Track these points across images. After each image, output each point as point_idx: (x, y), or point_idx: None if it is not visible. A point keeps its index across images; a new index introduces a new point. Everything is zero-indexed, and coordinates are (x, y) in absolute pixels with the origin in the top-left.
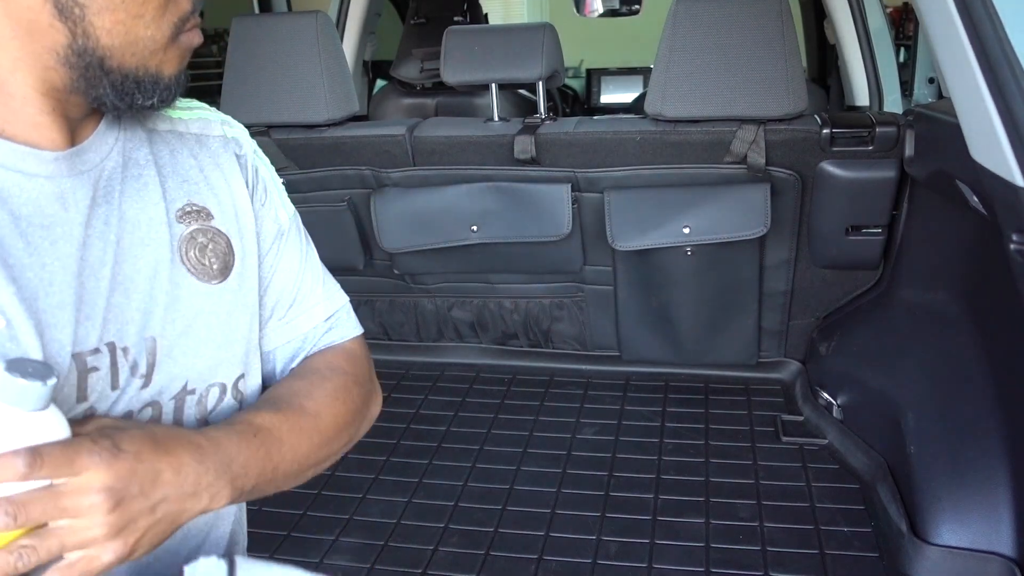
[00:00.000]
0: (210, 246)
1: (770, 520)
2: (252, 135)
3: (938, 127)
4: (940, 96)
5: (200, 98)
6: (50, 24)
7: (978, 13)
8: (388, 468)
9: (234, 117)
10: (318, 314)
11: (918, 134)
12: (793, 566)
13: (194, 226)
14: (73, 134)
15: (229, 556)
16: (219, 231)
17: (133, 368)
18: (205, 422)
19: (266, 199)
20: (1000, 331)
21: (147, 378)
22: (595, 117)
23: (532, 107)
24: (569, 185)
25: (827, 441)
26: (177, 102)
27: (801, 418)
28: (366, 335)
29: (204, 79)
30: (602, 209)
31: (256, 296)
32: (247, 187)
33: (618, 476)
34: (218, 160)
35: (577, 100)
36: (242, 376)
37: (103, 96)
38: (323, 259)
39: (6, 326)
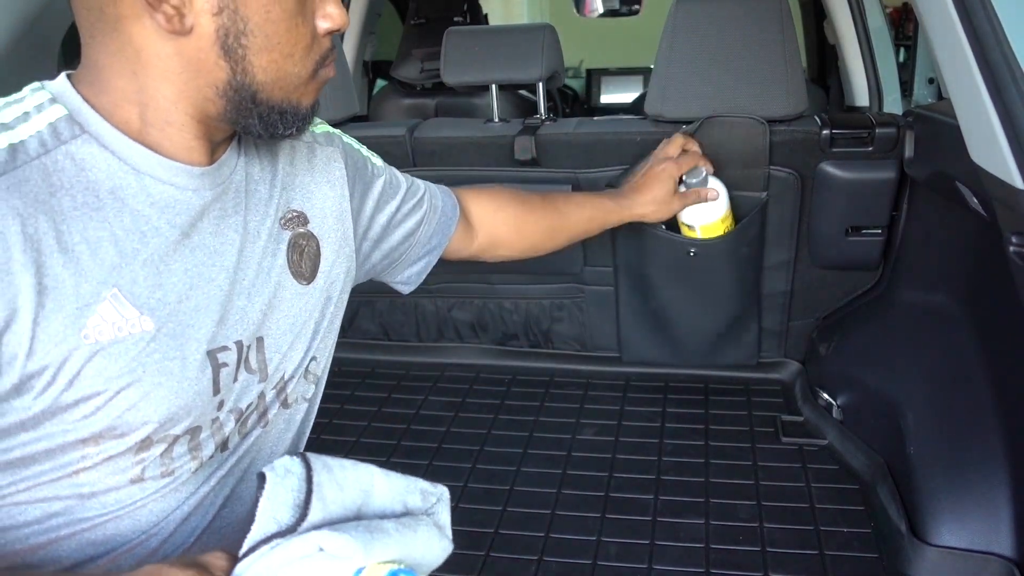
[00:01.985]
0: (306, 250)
1: (770, 521)
2: None
3: (938, 128)
4: (940, 97)
5: None
6: (215, 63)
7: (977, 15)
8: (388, 468)
9: None
10: (436, 193)
11: (918, 135)
12: (793, 567)
13: (295, 231)
14: (212, 154)
15: (303, 455)
16: (312, 234)
17: (246, 364)
18: (301, 398)
19: (369, 167)
20: (1000, 332)
21: (262, 372)
22: (595, 118)
23: (532, 108)
24: (570, 187)
25: (827, 441)
26: None
27: (801, 418)
28: (366, 335)
29: None
30: None
31: (339, 288)
32: (346, 177)
33: (618, 477)
34: (314, 164)
35: (577, 100)
36: (314, 359)
37: (250, 125)
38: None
39: (155, 328)
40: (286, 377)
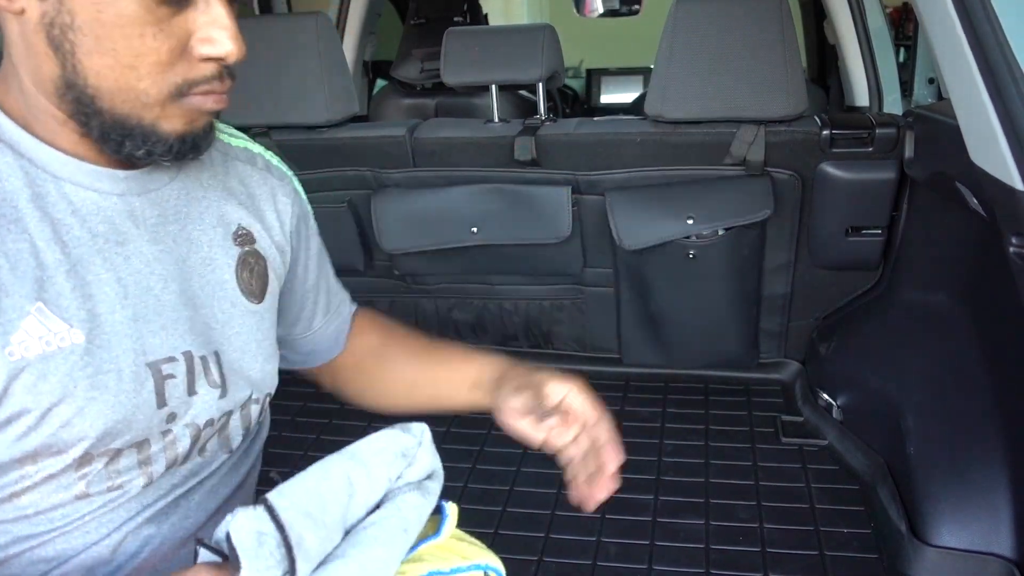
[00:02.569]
0: (255, 269)
1: (770, 521)
2: (252, 136)
3: (938, 129)
4: (940, 97)
5: None
6: (45, 52)
7: (977, 15)
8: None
9: (234, 118)
10: (345, 297)
11: (918, 135)
12: (793, 567)
13: (245, 248)
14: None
15: (268, 506)
16: (260, 254)
17: (207, 376)
18: (249, 433)
19: (308, 218)
20: (1000, 333)
21: (223, 388)
22: (595, 118)
23: (532, 108)
24: (569, 188)
25: (827, 442)
26: (221, 127)
27: (801, 419)
28: None
29: None
30: (602, 211)
31: (272, 312)
32: (293, 212)
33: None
34: (261, 188)
35: (577, 100)
36: (270, 381)
37: (95, 134)
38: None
39: (85, 340)
40: (246, 397)
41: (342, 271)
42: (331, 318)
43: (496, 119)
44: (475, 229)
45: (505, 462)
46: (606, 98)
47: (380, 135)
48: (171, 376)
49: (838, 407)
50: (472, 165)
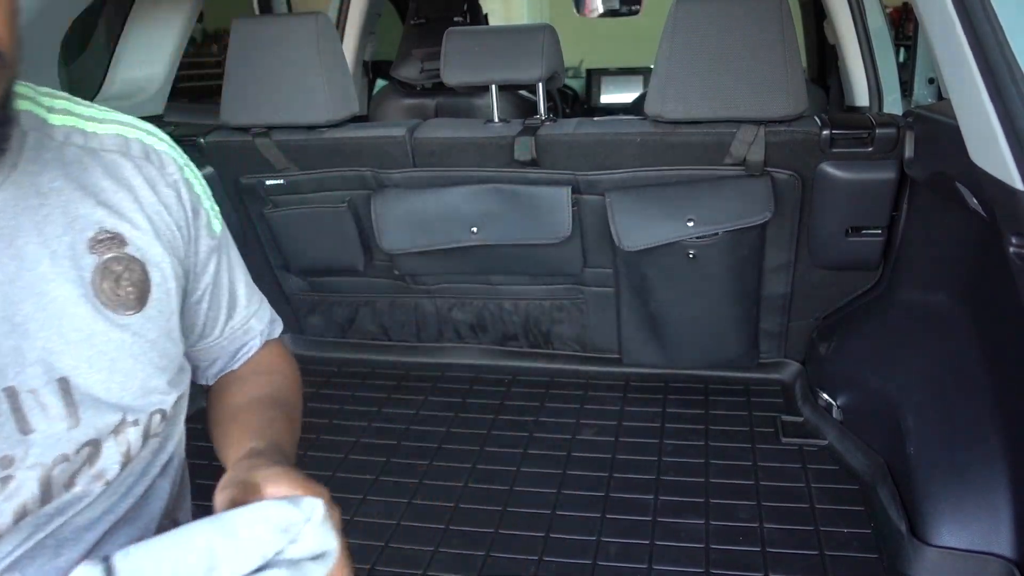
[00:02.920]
0: (125, 275)
1: (770, 521)
2: (253, 136)
3: (938, 129)
4: (940, 97)
5: (201, 99)
6: None
7: (977, 15)
8: (388, 469)
9: (235, 118)
10: (262, 317)
11: (918, 136)
12: (792, 567)
13: (108, 255)
14: None
15: (105, 559)
16: (133, 258)
17: (44, 410)
18: (127, 456)
19: (200, 215)
20: (1000, 333)
21: (73, 419)
22: (595, 118)
23: (532, 108)
24: (569, 188)
25: (827, 442)
26: (95, 112)
27: (801, 419)
28: (367, 336)
29: (204, 79)
30: (602, 211)
31: (177, 318)
32: (179, 204)
33: (618, 477)
34: (136, 179)
35: (577, 100)
36: (181, 396)
37: None
38: (323, 260)
39: None
40: (116, 422)
41: (342, 271)
42: (234, 334)
43: (496, 119)
44: (475, 229)
45: (505, 462)
46: (606, 98)
47: (380, 135)
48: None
49: (838, 407)
50: (472, 165)
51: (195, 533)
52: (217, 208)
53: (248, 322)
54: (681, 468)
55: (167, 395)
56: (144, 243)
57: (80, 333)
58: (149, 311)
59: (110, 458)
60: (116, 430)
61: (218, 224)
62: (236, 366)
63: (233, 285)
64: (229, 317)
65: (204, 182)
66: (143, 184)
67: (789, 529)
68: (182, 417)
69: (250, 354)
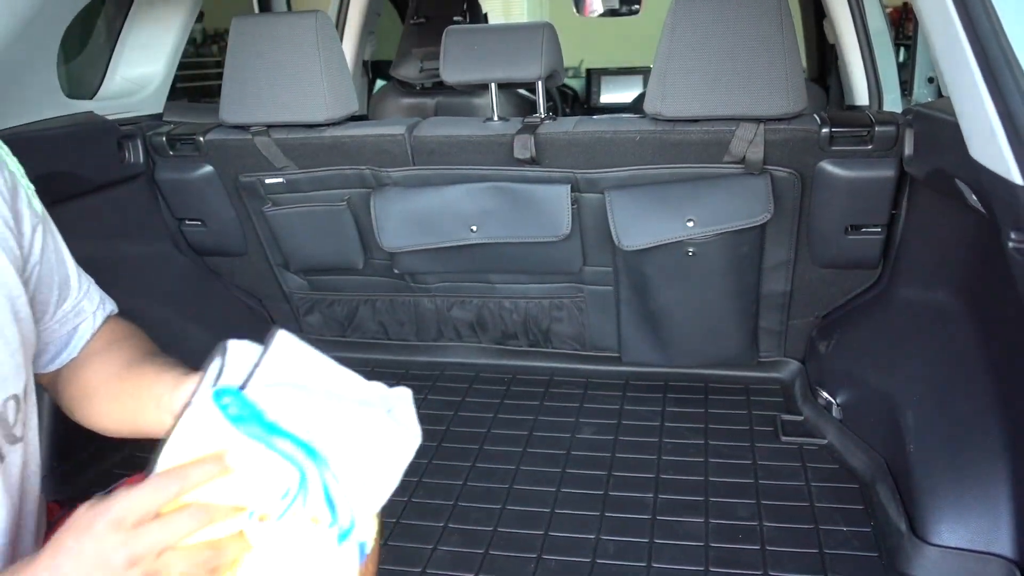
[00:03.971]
0: None
1: (769, 519)
2: (252, 135)
3: (937, 126)
4: (939, 96)
5: (201, 98)
6: None
7: (977, 13)
8: None
9: (234, 116)
10: (92, 297)
11: (917, 133)
12: (792, 565)
13: None
14: None
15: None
16: None
17: None
18: (13, 437)
19: (19, 193)
20: (1000, 329)
21: None
22: (595, 117)
23: (532, 107)
24: (569, 186)
25: (827, 440)
26: None
27: (801, 418)
28: (366, 334)
29: (204, 79)
30: (602, 210)
31: (16, 299)
32: (2, 185)
33: (617, 476)
34: None
35: (577, 100)
36: (30, 379)
37: None
38: (323, 258)
39: None
40: None
41: (342, 270)
42: (65, 317)
43: (496, 118)
44: (474, 227)
45: (505, 460)
46: (606, 98)
47: (380, 133)
48: None
49: (838, 406)
50: (471, 163)
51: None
52: (32, 187)
53: (79, 303)
54: (680, 467)
55: (18, 380)
56: None
57: None
58: None
59: None
60: None
61: (38, 203)
62: (76, 353)
63: (63, 266)
64: (61, 299)
65: (16, 160)
66: None
67: (789, 528)
68: (33, 423)
69: (85, 337)
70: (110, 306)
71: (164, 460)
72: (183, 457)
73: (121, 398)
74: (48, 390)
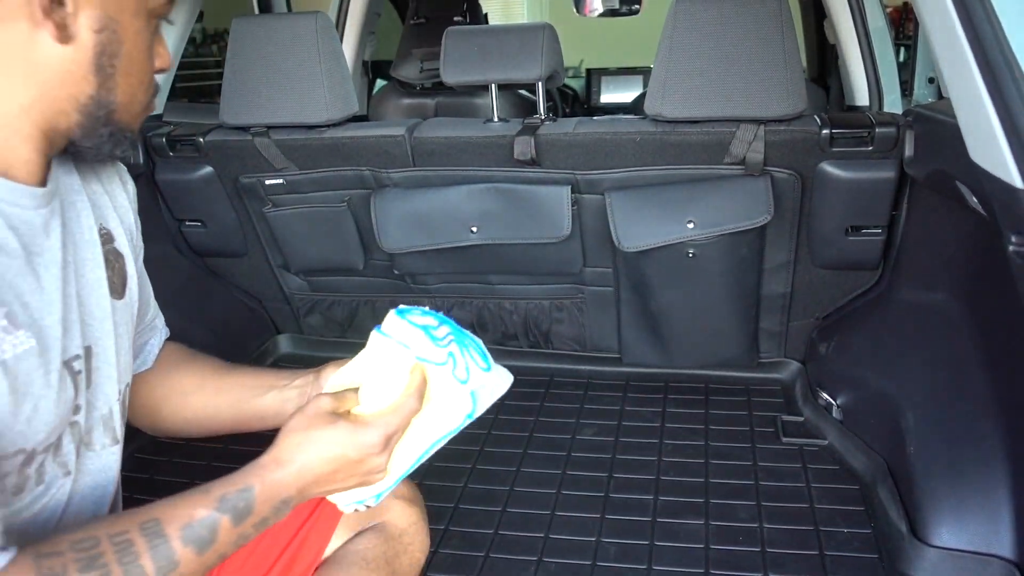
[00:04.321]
0: (116, 266)
1: (770, 521)
2: (252, 135)
3: (938, 128)
4: (940, 96)
5: (200, 98)
6: (84, 76)
7: (977, 14)
8: None
9: (234, 118)
10: (161, 316)
11: (918, 134)
12: (792, 567)
13: (108, 246)
14: (44, 171)
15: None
16: (119, 252)
17: (94, 373)
18: (115, 439)
19: (136, 216)
20: (1000, 332)
21: (88, 380)
22: (595, 118)
23: (532, 107)
24: (569, 187)
25: (827, 442)
26: None
27: (801, 419)
28: (366, 335)
29: (204, 79)
30: (602, 211)
31: (134, 303)
32: (133, 206)
33: (618, 477)
34: (113, 184)
35: (577, 100)
36: (128, 384)
37: (98, 143)
38: (323, 259)
39: (36, 343)
40: (125, 386)
41: (341, 271)
42: (146, 328)
43: (496, 118)
44: (475, 228)
45: (505, 462)
46: (606, 98)
47: (380, 134)
48: (79, 372)
49: (838, 407)
50: (472, 164)
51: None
52: None
53: (155, 319)
54: (681, 468)
55: (130, 373)
56: (123, 240)
57: (101, 310)
58: (127, 299)
59: (119, 418)
60: (122, 396)
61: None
62: (149, 363)
63: (147, 283)
64: (144, 312)
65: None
66: (118, 188)
67: (789, 529)
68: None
69: (155, 351)
70: (166, 332)
71: (351, 374)
72: (378, 368)
73: (230, 390)
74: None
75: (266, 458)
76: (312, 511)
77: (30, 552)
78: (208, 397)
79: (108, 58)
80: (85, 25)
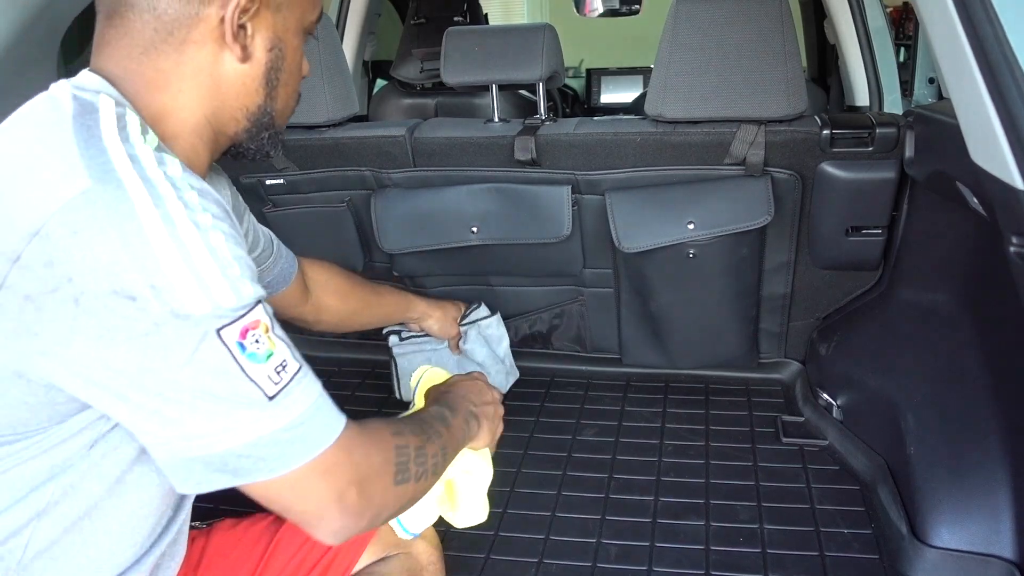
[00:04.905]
0: None
1: (770, 522)
2: None
3: (938, 128)
4: (940, 96)
5: None
6: (256, 89)
7: (977, 15)
8: None
9: None
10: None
11: (918, 135)
12: (793, 568)
13: None
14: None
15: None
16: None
17: None
18: None
19: (252, 222)
20: (1000, 332)
21: None
22: (595, 118)
23: (532, 107)
24: (569, 187)
25: (827, 442)
26: None
27: (801, 419)
28: (367, 335)
29: None
30: (602, 211)
31: None
32: (230, 204)
33: (618, 478)
34: (222, 184)
35: (577, 100)
36: None
37: (260, 144)
38: (323, 259)
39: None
40: None
41: None
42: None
43: (496, 119)
44: (475, 229)
45: (506, 463)
46: (606, 98)
47: (380, 135)
48: None
49: (838, 407)
50: (472, 165)
51: None
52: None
53: (273, 251)
54: (681, 469)
55: None
56: None
57: None
58: None
59: None
60: None
61: (240, 199)
62: (288, 282)
63: (266, 231)
64: (268, 244)
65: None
66: (225, 188)
67: (789, 530)
68: None
69: (289, 272)
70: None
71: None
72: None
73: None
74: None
75: (437, 400)
76: None
77: (372, 420)
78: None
79: (275, 72)
80: (260, 45)
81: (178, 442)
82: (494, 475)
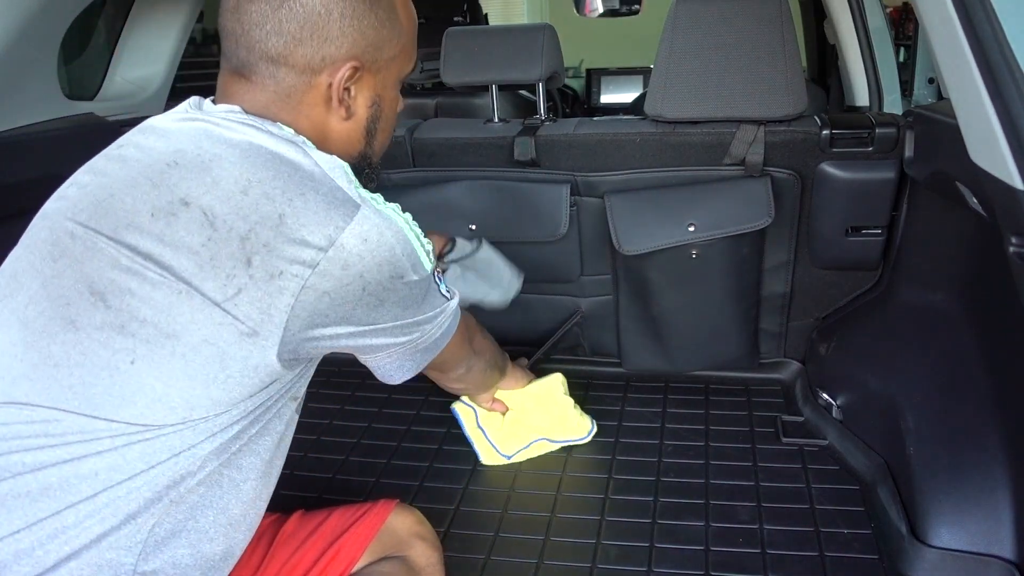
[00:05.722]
0: None
1: (770, 522)
2: None
3: (938, 128)
4: (940, 97)
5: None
6: (359, 139)
7: (977, 15)
8: (388, 471)
9: None
10: None
11: (918, 135)
12: (793, 568)
13: None
14: None
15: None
16: None
17: None
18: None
19: None
20: (1000, 332)
21: None
22: (595, 118)
23: (532, 108)
24: (568, 187)
25: (827, 442)
26: None
27: (801, 419)
28: None
29: (204, 79)
30: (601, 214)
31: None
32: None
33: (618, 479)
34: None
35: (577, 100)
36: None
37: (361, 182)
38: None
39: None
40: None
41: None
42: None
43: (496, 119)
44: (473, 227)
45: (505, 464)
46: (606, 98)
47: None
48: None
49: (838, 407)
50: (472, 165)
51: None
52: None
53: None
54: (681, 469)
55: None
56: None
57: None
58: None
59: None
60: None
61: None
62: None
63: None
64: None
65: None
66: None
67: (789, 530)
68: None
69: None
70: None
71: None
72: None
73: None
74: None
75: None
76: (345, 530)
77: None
78: None
79: (374, 123)
80: (362, 104)
81: (412, 343)
82: (491, 478)
